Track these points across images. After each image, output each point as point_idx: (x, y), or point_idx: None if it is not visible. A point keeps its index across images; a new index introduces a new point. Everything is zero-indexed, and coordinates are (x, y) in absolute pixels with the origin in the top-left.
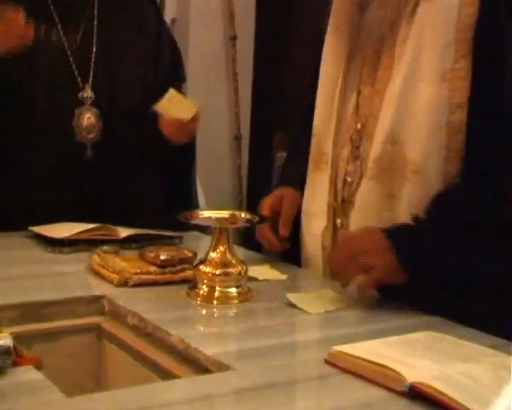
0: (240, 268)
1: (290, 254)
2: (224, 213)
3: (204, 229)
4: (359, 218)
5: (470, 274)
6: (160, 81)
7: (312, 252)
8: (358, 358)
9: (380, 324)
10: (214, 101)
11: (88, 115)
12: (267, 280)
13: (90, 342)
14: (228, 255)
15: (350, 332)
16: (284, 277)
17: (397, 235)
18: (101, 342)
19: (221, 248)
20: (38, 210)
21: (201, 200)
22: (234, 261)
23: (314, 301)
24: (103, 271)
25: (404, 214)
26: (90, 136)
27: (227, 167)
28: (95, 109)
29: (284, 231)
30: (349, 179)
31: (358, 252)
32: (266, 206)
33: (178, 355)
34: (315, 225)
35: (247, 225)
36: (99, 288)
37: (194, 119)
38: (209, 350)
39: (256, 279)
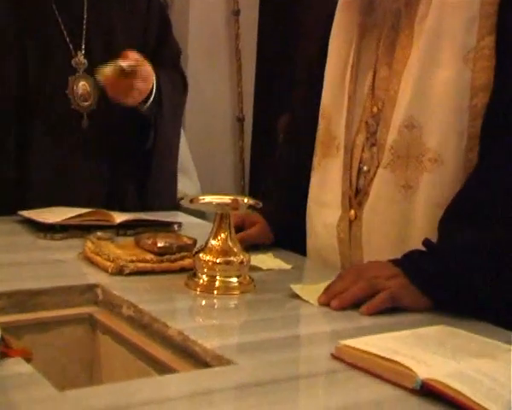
0: (242, 257)
1: (291, 243)
2: (226, 199)
3: (204, 215)
4: (373, 210)
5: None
6: (150, 49)
7: (326, 243)
8: (367, 353)
9: (389, 317)
10: (215, 80)
11: (83, 83)
12: (270, 270)
13: (82, 334)
14: (229, 243)
15: (358, 326)
16: (289, 266)
17: (404, 262)
18: (95, 333)
19: (222, 236)
20: (36, 184)
21: (192, 188)
22: (236, 249)
23: (319, 292)
24: (97, 258)
25: (421, 207)
26: (86, 104)
27: (228, 150)
28: (89, 77)
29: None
30: (365, 168)
31: (367, 277)
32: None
33: (176, 348)
34: (328, 216)
35: (247, 210)
36: (93, 276)
37: (145, 79)
38: (209, 343)
39: (259, 269)
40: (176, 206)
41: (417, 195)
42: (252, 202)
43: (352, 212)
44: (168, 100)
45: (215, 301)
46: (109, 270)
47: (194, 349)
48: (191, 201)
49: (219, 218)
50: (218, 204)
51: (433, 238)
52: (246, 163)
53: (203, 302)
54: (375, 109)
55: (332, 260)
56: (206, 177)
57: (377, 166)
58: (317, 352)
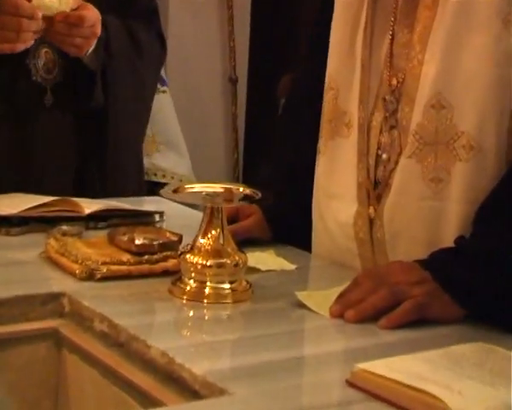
0: (237, 258)
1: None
2: (217, 188)
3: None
4: (395, 208)
5: None
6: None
7: (341, 244)
8: (389, 379)
9: (415, 331)
10: (203, 32)
11: (45, 50)
12: (271, 271)
13: (45, 353)
14: (221, 241)
15: (378, 342)
16: (293, 266)
17: (434, 264)
18: (61, 352)
19: (213, 233)
20: None
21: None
22: (229, 249)
23: (331, 300)
24: (62, 260)
25: (454, 204)
26: (50, 76)
27: (219, 118)
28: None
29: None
30: (384, 155)
31: (388, 284)
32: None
33: (159, 373)
34: (341, 211)
35: (247, 203)
36: (57, 282)
37: (93, 25)
38: (198, 367)
39: (257, 270)
40: (142, 186)
41: (449, 189)
42: (248, 191)
43: (371, 208)
44: (122, 53)
45: (205, 311)
46: (77, 274)
47: (180, 375)
48: (175, 191)
49: (209, 212)
50: (208, 195)
51: None
52: (239, 133)
53: (191, 313)
54: (394, 82)
55: (350, 264)
56: (193, 150)
57: (399, 154)
58: (328, 377)
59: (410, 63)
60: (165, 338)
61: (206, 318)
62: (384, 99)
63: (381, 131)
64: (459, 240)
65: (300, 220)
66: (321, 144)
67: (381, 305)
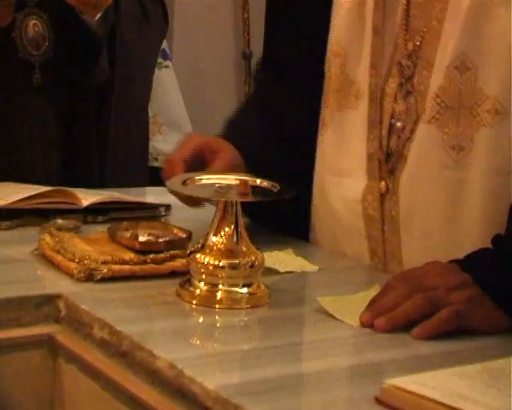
0: (253, 258)
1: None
2: (231, 179)
3: None
4: (413, 180)
5: None
6: None
7: (348, 224)
8: (422, 397)
9: (452, 343)
10: (213, 4)
11: (34, 22)
12: (291, 273)
13: (39, 362)
14: (236, 240)
15: (410, 355)
16: (315, 268)
17: (474, 266)
18: (56, 361)
19: (226, 230)
20: None
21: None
22: (244, 248)
23: (358, 306)
24: (58, 258)
25: (477, 174)
26: (39, 52)
27: (230, 96)
28: (42, 14)
29: None
30: (398, 124)
31: (424, 288)
32: (190, 144)
33: (166, 387)
34: (349, 188)
35: (265, 199)
36: (52, 283)
37: None
38: (210, 381)
39: (275, 272)
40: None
41: (472, 158)
42: (266, 183)
43: (383, 183)
44: (132, 14)
45: (217, 318)
46: (75, 274)
47: (190, 389)
48: (183, 183)
49: (223, 207)
50: (221, 188)
51: (494, 215)
52: None
53: (200, 320)
54: (410, 46)
55: (356, 248)
56: (199, 132)
57: (416, 122)
58: (354, 394)
59: (429, 24)
60: (173, 348)
61: (219, 325)
62: (400, 64)
63: (395, 99)
64: (497, 240)
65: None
66: (326, 115)
67: (415, 312)
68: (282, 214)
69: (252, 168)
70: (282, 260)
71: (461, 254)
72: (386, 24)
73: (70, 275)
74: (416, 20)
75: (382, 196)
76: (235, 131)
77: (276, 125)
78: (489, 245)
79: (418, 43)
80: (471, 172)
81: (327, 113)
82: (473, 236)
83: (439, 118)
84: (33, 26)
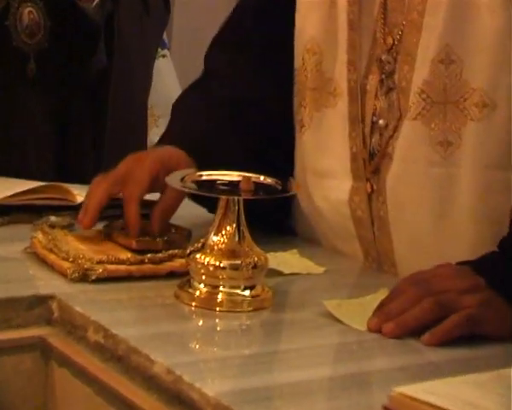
0: (255, 259)
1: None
2: (234, 176)
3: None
4: (400, 178)
5: None
6: None
7: (336, 223)
8: (432, 406)
9: (464, 349)
10: None
11: (29, 9)
12: (295, 275)
13: (31, 366)
14: (238, 239)
15: (420, 362)
16: (320, 269)
17: (486, 267)
18: (49, 365)
19: (228, 229)
20: None
21: None
22: (247, 248)
23: (365, 311)
24: (51, 257)
25: (467, 170)
26: (34, 41)
27: None
28: (37, 1)
29: (157, 225)
30: (380, 122)
31: (434, 292)
32: (143, 178)
33: (164, 393)
34: (334, 189)
35: (270, 196)
36: (45, 283)
37: None
38: (210, 388)
39: (279, 273)
40: None
41: (461, 153)
42: (270, 181)
43: (368, 184)
44: (130, 2)
45: (217, 321)
46: (68, 274)
47: (189, 396)
48: (182, 179)
49: (224, 204)
50: (223, 185)
51: (485, 210)
52: None
53: (200, 323)
54: (389, 41)
55: (349, 248)
56: None
57: (399, 119)
58: (362, 402)
59: (408, 16)
60: (171, 352)
61: (219, 329)
62: (380, 60)
63: (376, 96)
64: (504, 242)
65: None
66: (304, 116)
67: (424, 317)
68: (265, 215)
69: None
70: (287, 260)
71: (454, 253)
72: (363, 18)
73: (63, 275)
74: (395, 13)
75: (369, 197)
76: (188, 136)
77: (234, 116)
78: (481, 242)
79: (398, 37)
80: (460, 169)
81: (304, 113)
82: (464, 233)
83: (425, 114)
84: (28, 13)
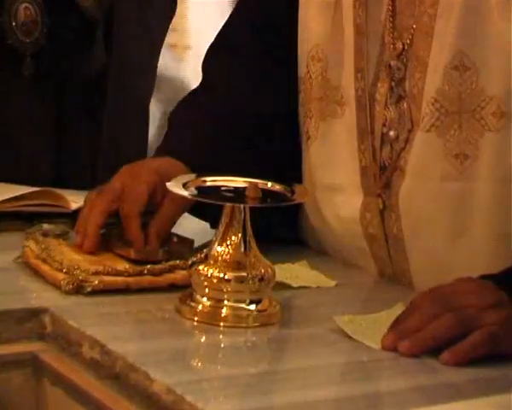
0: (262, 271)
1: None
2: (240, 182)
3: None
4: (413, 193)
5: None
6: None
7: (348, 242)
8: None
9: (486, 369)
10: None
11: (25, 5)
12: (305, 288)
13: (22, 384)
14: (244, 250)
15: (438, 382)
16: (332, 283)
17: (509, 281)
18: (41, 383)
19: (233, 239)
20: None
21: None
22: (253, 259)
23: (379, 327)
24: (44, 267)
25: (483, 184)
26: (30, 39)
27: None
28: None
29: (155, 241)
30: (391, 133)
31: (454, 307)
32: (142, 192)
33: None
34: (343, 204)
35: (279, 203)
36: (37, 295)
37: None
38: (212, 407)
39: (287, 286)
40: None
41: (478, 166)
42: (278, 187)
43: (379, 200)
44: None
45: (221, 337)
46: (62, 286)
47: None
48: (185, 185)
49: (229, 212)
50: (228, 191)
51: (503, 226)
52: None
53: (203, 339)
54: (399, 46)
55: (363, 266)
56: None
57: (410, 130)
58: None
59: (419, 20)
60: (172, 370)
61: (223, 345)
62: (389, 66)
63: (386, 105)
64: None
65: None
66: (310, 127)
67: (443, 335)
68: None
69: None
70: (296, 273)
71: (472, 271)
72: (370, 22)
73: (57, 287)
74: (404, 16)
75: (381, 213)
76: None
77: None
78: (500, 258)
79: (408, 41)
80: (477, 182)
81: (310, 124)
82: (483, 249)
83: (439, 125)
84: (24, 9)
